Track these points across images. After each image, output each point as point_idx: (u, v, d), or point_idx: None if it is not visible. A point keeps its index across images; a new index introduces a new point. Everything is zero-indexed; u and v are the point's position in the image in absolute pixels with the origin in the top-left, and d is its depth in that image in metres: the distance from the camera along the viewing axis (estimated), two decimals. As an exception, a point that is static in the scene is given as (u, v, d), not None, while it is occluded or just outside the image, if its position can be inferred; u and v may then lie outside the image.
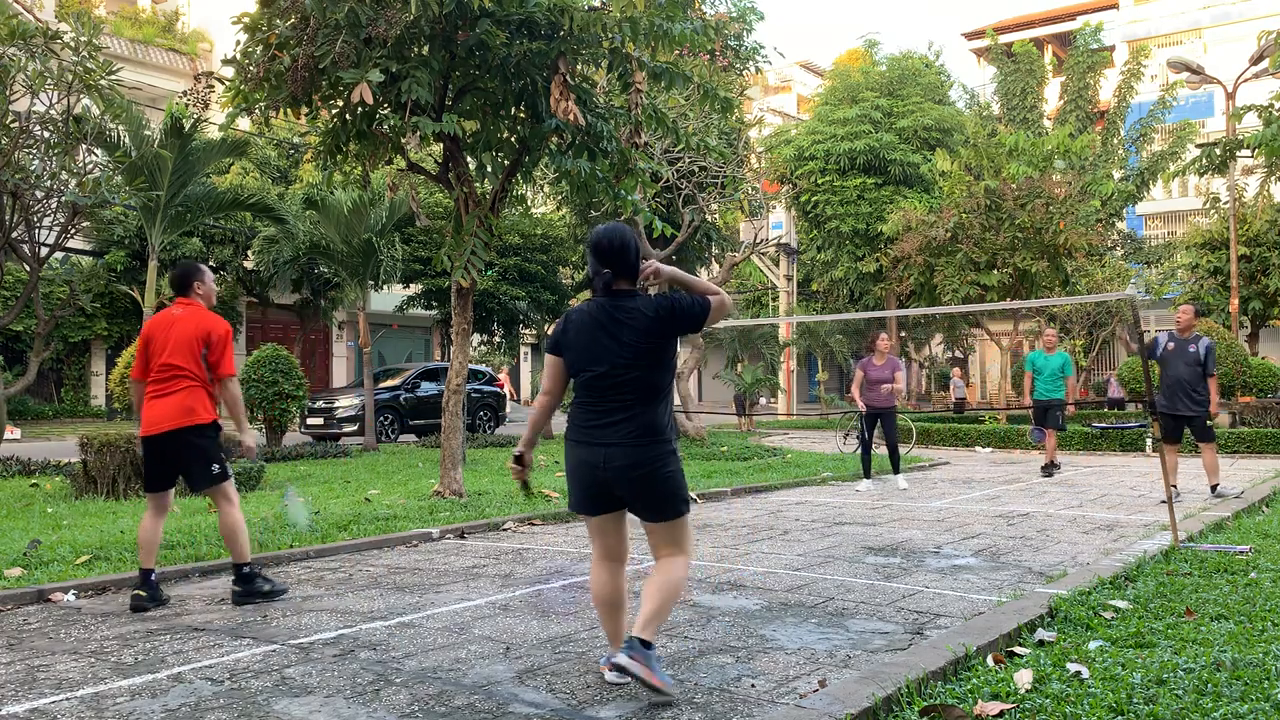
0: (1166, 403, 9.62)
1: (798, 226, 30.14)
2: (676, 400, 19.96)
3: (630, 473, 3.64)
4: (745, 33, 21.48)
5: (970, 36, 40.88)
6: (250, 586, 5.46)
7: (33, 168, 10.10)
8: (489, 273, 24.31)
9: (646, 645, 3.61)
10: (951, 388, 29.82)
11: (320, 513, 8.30)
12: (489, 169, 10.07)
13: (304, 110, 9.12)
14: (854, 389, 11.35)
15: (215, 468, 5.46)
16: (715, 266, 26.37)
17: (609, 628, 3.88)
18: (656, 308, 3.69)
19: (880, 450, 12.32)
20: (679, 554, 3.79)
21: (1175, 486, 9.60)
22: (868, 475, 11.61)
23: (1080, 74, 30.65)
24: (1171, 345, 9.72)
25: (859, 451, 12.29)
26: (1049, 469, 12.82)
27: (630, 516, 3.86)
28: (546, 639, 4.60)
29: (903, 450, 15.21)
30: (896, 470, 11.41)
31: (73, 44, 9.79)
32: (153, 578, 5.40)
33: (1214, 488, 9.78)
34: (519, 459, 3.93)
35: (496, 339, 26.32)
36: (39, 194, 10.41)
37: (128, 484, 9.86)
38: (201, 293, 5.66)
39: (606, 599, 3.85)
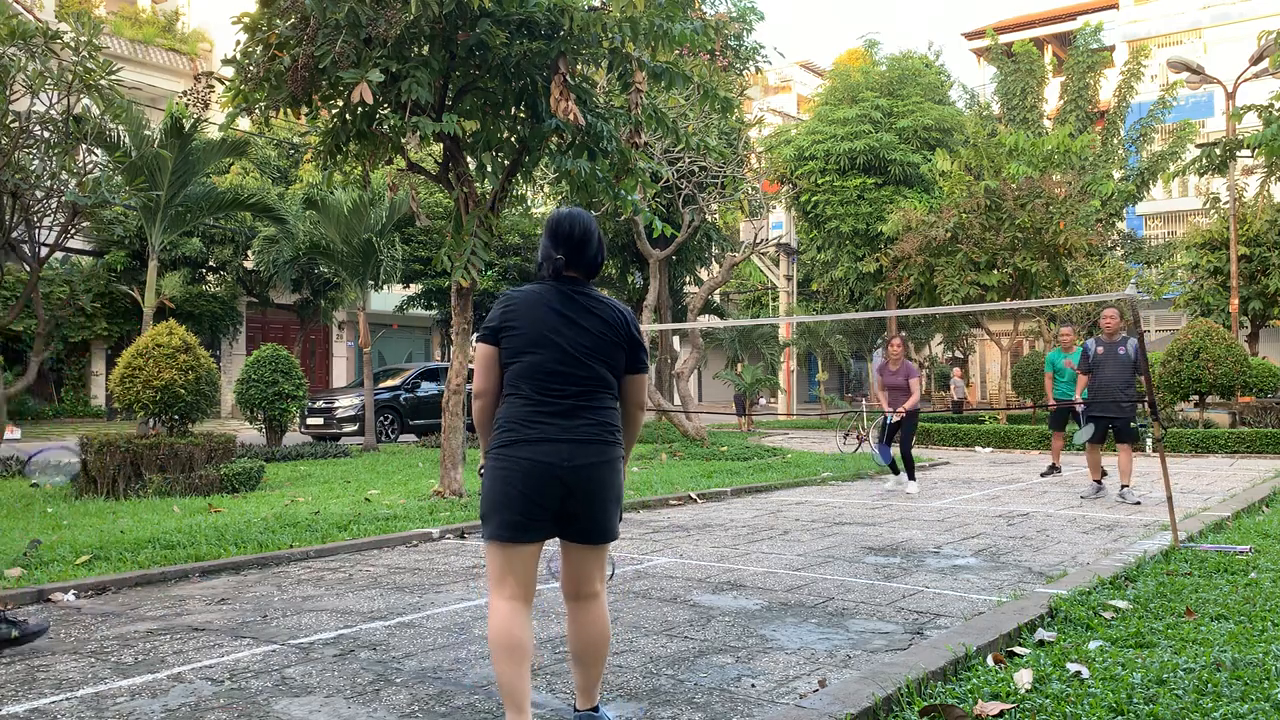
0: (1097, 406, 9.85)
1: (798, 226, 30.14)
2: (676, 400, 20.00)
3: (594, 473, 3.11)
4: (745, 33, 21.52)
5: (970, 36, 40.90)
6: None
7: (33, 168, 10.10)
8: (489, 273, 24.32)
9: (596, 710, 3.33)
10: (951, 388, 29.84)
11: (320, 512, 8.30)
12: (489, 169, 10.08)
13: (304, 110, 9.13)
14: (877, 392, 11.19)
15: None
16: (715, 266, 26.40)
17: (517, 684, 3.07)
18: (623, 312, 3.28)
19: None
20: (604, 587, 3.32)
21: (1098, 481, 10.22)
22: (911, 476, 11.03)
23: (1080, 74, 30.64)
24: (1100, 350, 9.92)
25: (872, 452, 12.07)
26: (1052, 471, 12.83)
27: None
28: (547, 639, 4.60)
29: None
30: (910, 476, 11.18)
31: (73, 44, 9.78)
32: None
33: (1124, 488, 9.88)
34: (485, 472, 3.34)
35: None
36: (39, 194, 10.41)
37: (128, 484, 9.87)
38: None
39: (520, 644, 3.11)
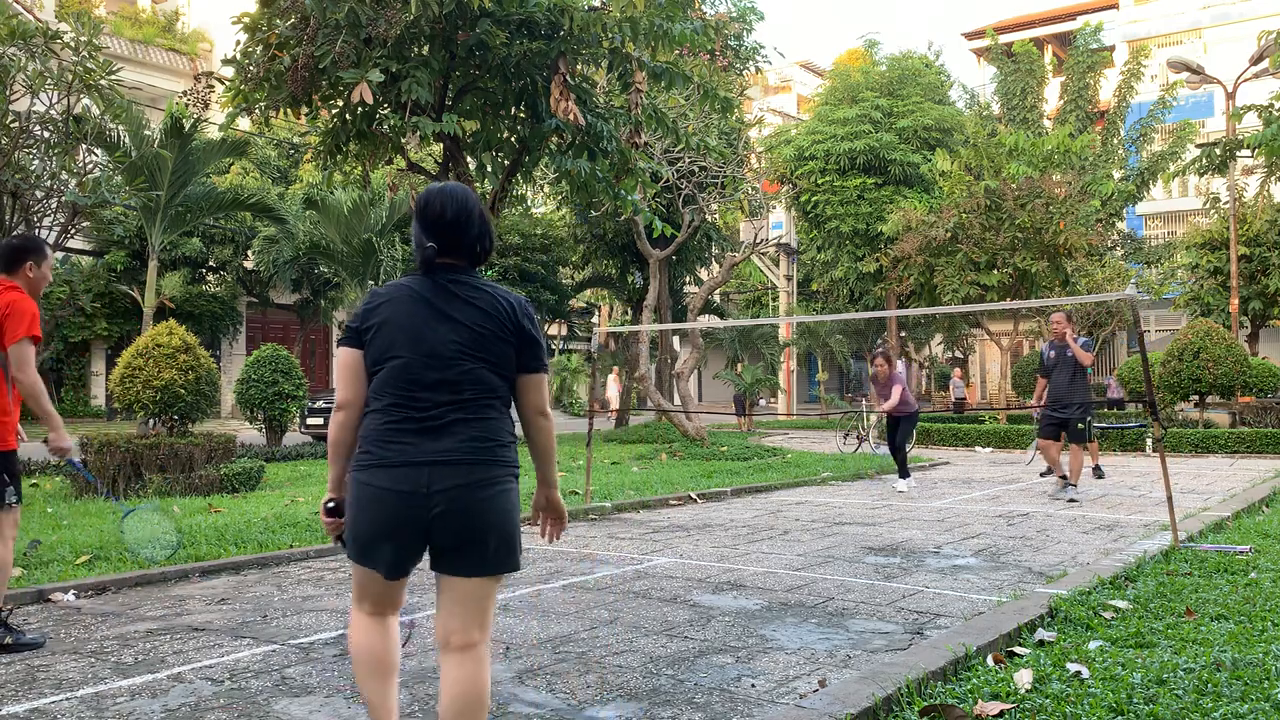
0: (1052, 407, 10.12)
1: (798, 226, 30.14)
2: (676, 400, 19.99)
3: (464, 496, 2.60)
4: (745, 33, 21.54)
5: (970, 36, 40.89)
6: None
7: (33, 168, 10.11)
8: (489, 273, 24.28)
9: None
10: (951, 388, 29.85)
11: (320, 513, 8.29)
12: (489, 169, 10.08)
13: (304, 110, 9.14)
14: (875, 398, 11.71)
15: None
16: (715, 266, 26.40)
17: (378, 699, 2.80)
18: (509, 300, 2.78)
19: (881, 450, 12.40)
20: (485, 638, 2.74)
21: (1071, 480, 10.19)
22: (903, 474, 11.27)
23: (1080, 74, 30.63)
24: (1053, 354, 10.17)
25: (873, 451, 12.31)
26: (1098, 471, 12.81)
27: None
28: (546, 639, 4.60)
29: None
30: (902, 474, 11.28)
31: (73, 44, 9.79)
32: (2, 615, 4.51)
33: (1065, 481, 10.12)
34: (333, 508, 2.84)
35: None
36: (39, 194, 10.42)
37: (128, 484, 9.87)
38: (34, 275, 4.55)
39: (380, 659, 2.80)
